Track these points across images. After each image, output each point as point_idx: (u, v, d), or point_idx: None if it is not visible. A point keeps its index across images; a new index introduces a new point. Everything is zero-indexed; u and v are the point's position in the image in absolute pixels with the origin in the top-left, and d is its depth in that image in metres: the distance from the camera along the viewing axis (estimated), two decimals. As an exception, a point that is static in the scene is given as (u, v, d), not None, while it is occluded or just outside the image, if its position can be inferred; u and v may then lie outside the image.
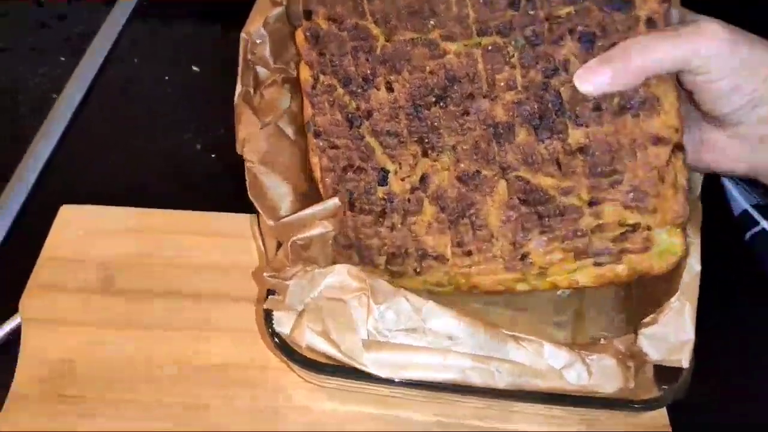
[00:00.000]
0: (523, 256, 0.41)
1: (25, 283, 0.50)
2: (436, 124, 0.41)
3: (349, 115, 0.43)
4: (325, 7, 0.42)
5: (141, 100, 0.68)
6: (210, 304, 0.50)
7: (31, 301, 0.49)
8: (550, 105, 0.39)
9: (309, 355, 0.39)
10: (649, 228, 0.39)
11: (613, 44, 0.37)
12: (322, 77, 0.43)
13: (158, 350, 0.47)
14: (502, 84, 0.40)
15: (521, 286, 0.42)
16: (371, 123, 0.42)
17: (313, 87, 0.43)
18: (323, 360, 0.39)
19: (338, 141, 0.43)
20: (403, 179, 0.43)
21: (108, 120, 0.66)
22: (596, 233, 0.40)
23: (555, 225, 0.40)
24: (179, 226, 0.54)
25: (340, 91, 0.43)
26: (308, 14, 0.42)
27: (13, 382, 0.45)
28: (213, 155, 0.63)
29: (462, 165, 0.41)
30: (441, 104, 0.41)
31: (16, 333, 0.48)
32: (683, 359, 0.38)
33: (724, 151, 0.41)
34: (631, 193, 0.39)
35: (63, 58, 0.71)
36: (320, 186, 0.44)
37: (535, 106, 0.39)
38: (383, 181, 0.43)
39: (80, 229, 0.54)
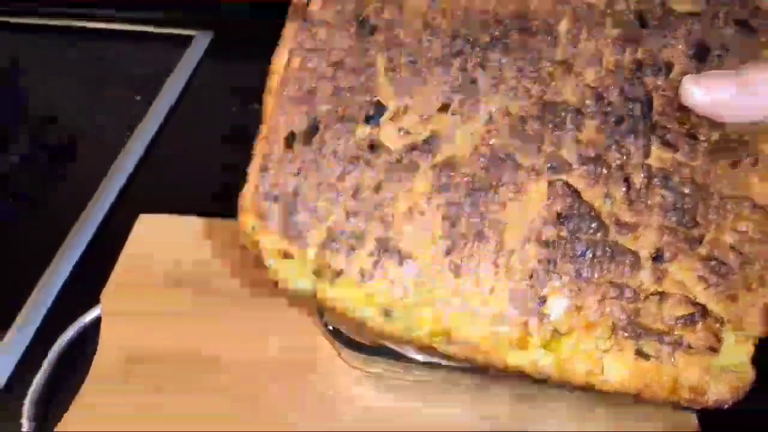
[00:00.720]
0: (539, 301, 0.29)
1: (105, 280, 0.56)
2: (478, 72, 0.31)
3: (362, 15, 0.31)
4: None
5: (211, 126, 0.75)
6: (268, 298, 0.53)
7: (110, 296, 0.55)
8: (636, 106, 0.30)
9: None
10: (722, 322, 0.29)
11: (729, 67, 0.30)
12: None
13: (225, 341, 0.51)
14: (584, 55, 0.31)
15: (514, 358, 0.29)
16: (387, 35, 0.31)
17: None
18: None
19: (332, 40, 0.31)
20: (401, 129, 0.30)
21: (182, 147, 0.73)
22: (652, 302, 0.29)
23: (599, 269, 0.29)
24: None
25: None
26: None
27: (92, 367, 0.50)
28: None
29: (493, 140, 0.30)
30: (498, 48, 0.31)
31: (96, 324, 0.54)
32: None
33: None
34: (711, 262, 0.29)
35: (138, 97, 0.78)
36: (268, 95, 0.31)
37: (617, 101, 0.31)
38: (373, 118, 0.30)
39: (156, 235, 0.60)
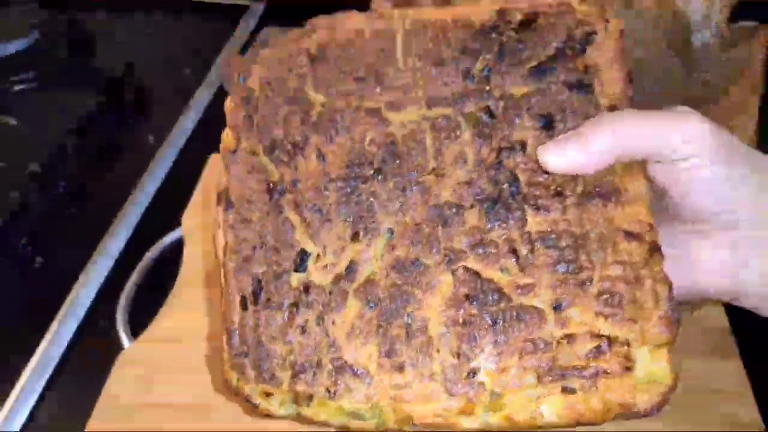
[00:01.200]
0: (471, 374, 0.33)
1: (182, 209, 0.62)
2: (371, 201, 0.35)
3: (270, 185, 0.36)
4: (262, 70, 0.38)
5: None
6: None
7: (190, 218, 0.61)
8: (505, 186, 0.34)
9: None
10: (628, 344, 0.32)
11: (576, 125, 0.34)
12: (245, 143, 0.37)
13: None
14: (450, 160, 0.35)
15: (468, 423, 0.33)
16: (294, 195, 0.36)
17: (233, 152, 0.37)
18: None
19: (252, 214, 0.36)
20: (325, 266, 0.35)
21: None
22: (563, 346, 0.32)
23: (512, 332, 0.33)
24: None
25: (263, 157, 0.37)
26: (243, 78, 0.38)
27: (180, 274, 0.56)
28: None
29: (398, 252, 0.34)
30: (378, 178, 0.35)
31: (178, 243, 0.60)
32: None
33: (702, 266, 0.34)
34: (604, 296, 0.32)
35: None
36: (221, 270, 0.36)
37: (488, 187, 0.34)
38: (301, 265, 0.35)
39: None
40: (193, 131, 0.73)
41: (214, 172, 0.65)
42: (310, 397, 0.34)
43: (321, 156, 0.36)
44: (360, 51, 0.37)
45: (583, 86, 0.35)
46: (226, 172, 0.37)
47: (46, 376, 0.51)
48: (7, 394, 0.49)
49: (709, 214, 0.33)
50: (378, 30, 0.37)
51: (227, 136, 0.38)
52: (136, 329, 0.53)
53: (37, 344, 0.53)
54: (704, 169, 0.32)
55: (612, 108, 0.34)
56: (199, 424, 0.46)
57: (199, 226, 0.60)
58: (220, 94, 0.78)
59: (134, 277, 0.57)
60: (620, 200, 0.34)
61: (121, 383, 0.49)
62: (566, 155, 0.33)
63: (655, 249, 0.33)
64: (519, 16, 0.37)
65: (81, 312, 0.56)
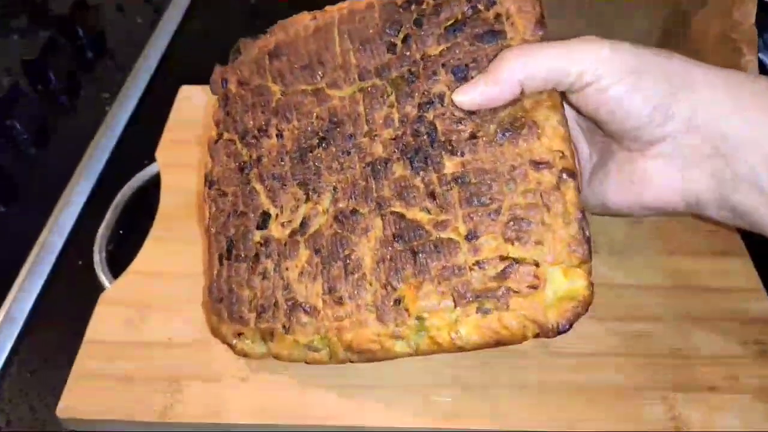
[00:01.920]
0: (397, 302, 0.36)
1: (155, 146, 0.57)
2: (317, 165, 0.40)
3: (241, 164, 0.42)
4: (236, 74, 0.44)
5: None
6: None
7: (166, 153, 0.56)
8: (426, 137, 0.38)
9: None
10: (536, 264, 0.34)
11: None
12: (225, 134, 0.44)
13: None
14: (380, 122, 0.39)
15: (400, 347, 0.37)
16: (259, 169, 0.41)
17: (215, 142, 0.44)
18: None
19: (228, 189, 0.42)
20: (283, 224, 0.40)
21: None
22: (475, 270, 0.35)
23: (430, 263, 0.36)
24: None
25: (238, 144, 0.43)
26: (224, 82, 0.44)
27: (158, 211, 0.52)
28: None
29: (340, 205, 0.39)
30: (323, 146, 0.40)
31: (153, 179, 0.56)
32: None
33: (654, 182, 0.36)
34: (511, 223, 0.35)
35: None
36: (205, 236, 0.43)
37: (411, 140, 0.38)
38: (263, 224, 0.40)
39: (200, 102, 0.61)
40: (158, 65, 0.68)
41: (185, 103, 0.61)
42: (271, 334, 0.39)
43: (280, 134, 0.42)
44: (305, 43, 0.42)
45: (494, 33, 0.38)
46: (210, 158, 0.44)
47: (15, 331, 0.47)
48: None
49: (634, 130, 0.34)
50: (319, 24, 0.42)
51: (212, 131, 0.45)
52: (116, 271, 0.49)
53: (3, 297, 0.49)
54: (612, 89, 0.33)
55: None
56: (192, 361, 0.43)
57: (174, 160, 0.56)
58: (182, 32, 0.73)
59: (109, 216, 0.53)
60: (533, 134, 0.36)
61: (105, 324, 0.45)
62: (475, 91, 0.36)
63: (568, 174, 0.35)
64: None
65: (52, 258, 0.51)
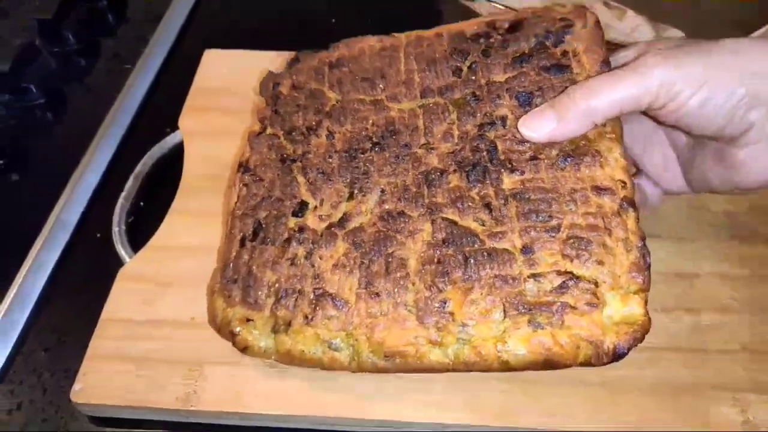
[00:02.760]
0: (442, 303, 0.34)
1: (178, 113, 0.54)
2: (367, 166, 0.39)
3: (284, 155, 0.41)
4: (290, 79, 0.45)
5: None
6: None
7: (189, 120, 0.53)
8: (485, 154, 0.38)
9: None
10: (596, 283, 0.33)
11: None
12: (269, 129, 0.43)
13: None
14: (438, 136, 0.39)
15: (435, 355, 0.34)
16: (303, 162, 0.40)
17: (258, 135, 0.43)
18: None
19: (265, 175, 0.41)
20: (321, 216, 0.38)
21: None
22: (530, 282, 0.34)
23: (482, 269, 0.34)
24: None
25: (283, 139, 0.42)
26: (275, 86, 0.45)
27: (182, 180, 0.49)
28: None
29: (387, 206, 0.38)
30: (376, 150, 0.40)
31: (176, 148, 0.52)
32: None
33: (748, 167, 0.36)
34: (571, 241, 0.34)
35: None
36: (228, 217, 0.41)
37: (469, 155, 0.38)
38: (300, 212, 0.39)
39: (225, 68, 0.57)
40: (181, 28, 0.64)
41: (210, 69, 0.57)
42: (288, 324, 0.36)
43: (330, 135, 0.41)
44: (369, 59, 0.44)
45: (561, 67, 0.39)
46: (249, 148, 0.42)
47: (29, 306, 0.44)
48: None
49: (719, 131, 0.35)
50: (384, 45, 0.44)
51: (255, 125, 0.44)
52: (136, 245, 0.46)
53: (16, 271, 0.45)
54: (688, 104, 0.34)
55: None
56: (216, 343, 0.40)
57: (199, 128, 0.52)
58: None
59: (129, 187, 0.49)
60: (596, 163, 0.36)
61: (124, 302, 0.42)
62: (545, 128, 0.36)
63: (629, 204, 0.35)
64: (506, 24, 0.42)
65: (68, 230, 0.48)
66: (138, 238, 0.46)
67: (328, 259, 0.37)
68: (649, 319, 0.33)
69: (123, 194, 0.48)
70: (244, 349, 0.37)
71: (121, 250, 0.45)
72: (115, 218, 0.47)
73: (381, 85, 0.42)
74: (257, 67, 0.56)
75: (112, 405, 0.38)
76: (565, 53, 0.39)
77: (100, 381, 0.39)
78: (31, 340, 0.43)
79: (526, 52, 0.40)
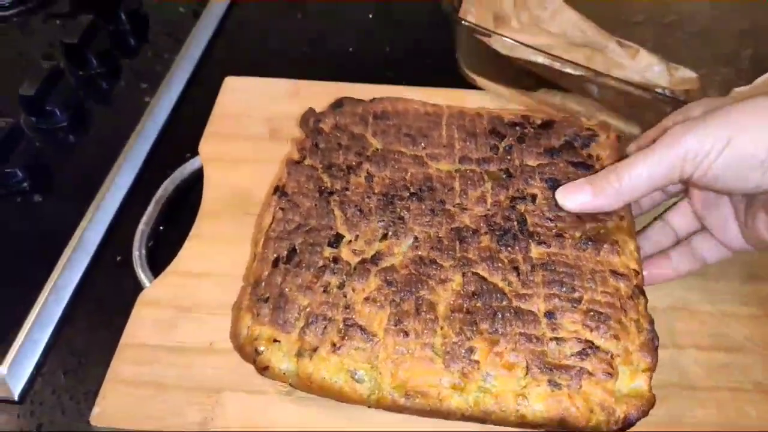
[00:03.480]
0: (469, 351, 0.36)
1: (199, 136, 0.55)
2: (404, 213, 0.42)
3: (322, 187, 0.43)
4: (333, 119, 0.48)
5: None
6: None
7: (209, 146, 0.54)
8: (515, 223, 0.41)
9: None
10: (611, 356, 0.36)
11: None
12: (308, 160, 0.45)
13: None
14: (473, 200, 0.42)
15: (456, 401, 0.36)
16: (341, 197, 0.43)
17: (297, 163, 0.45)
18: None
19: (302, 202, 0.43)
20: (355, 251, 0.40)
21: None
22: (553, 345, 0.36)
23: (509, 325, 0.37)
24: (330, 93, 0.57)
25: (321, 173, 0.44)
26: (316, 122, 0.48)
27: (202, 204, 0.50)
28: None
29: (420, 252, 0.40)
30: (413, 199, 0.42)
31: (195, 174, 0.53)
32: None
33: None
34: (591, 314, 0.37)
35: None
36: (259, 239, 0.42)
37: (501, 222, 0.41)
38: (335, 243, 0.40)
39: (245, 94, 0.58)
40: (202, 54, 0.65)
41: (230, 95, 0.58)
42: (314, 350, 0.36)
43: (370, 177, 0.44)
44: (413, 118, 0.48)
45: (585, 165, 0.44)
46: (287, 174, 0.44)
47: (50, 328, 0.45)
48: (7, 349, 0.42)
49: (754, 188, 0.35)
50: (428, 110, 0.49)
51: (294, 153, 0.46)
52: (156, 270, 0.47)
53: (38, 293, 0.46)
54: (713, 169, 0.35)
55: None
56: (235, 369, 0.40)
57: (218, 154, 0.53)
58: (226, 22, 0.70)
59: (150, 211, 0.50)
60: (614, 251, 0.39)
61: (143, 326, 0.43)
62: (577, 197, 0.40)
63: (640, 291, 0.38)
64: (539, 121, 0.47)
65: (89, 253, 0.49)
66: (158, 262, 0.47)
67: (360, 292, 0.38)
68: (654, 395, 0.35)
69: (144, 219, 0.49)
70: (264, 369, 0.37)
71: (141, 275, 0.46)
72: (136, 243, 0.48)
73: (422, 144, 0.46)
74: (276, 94, 0.58)
75: (130, 429, 0.39)
76: (590, 156, 0.44)
77: (119, 405, 0.39)
78: (52, 361, 0.44)
79: (556, 147, 0.45)
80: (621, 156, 0.43)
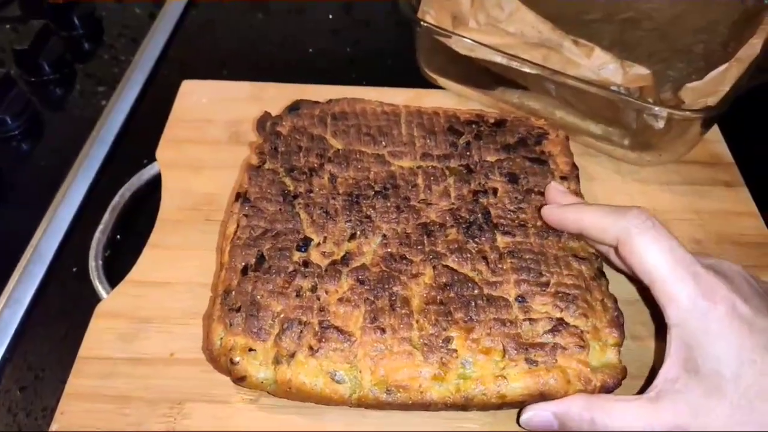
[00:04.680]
0: (446, 341, 0.37)
1: (155, 143, 0.54)
2: (370, 211, 0.42)
3: (285, 191, 0.43)
4: (290, 122, 0.48)
5: None
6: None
7: (167, 152, 0.53)
8: (479, 216, 0.42)
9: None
10: (581, 331, 0.37)
11: (536, 184, 0.44)
12: (268, 164, 0.45)
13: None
14: (436, 195, 0.44)
15: (437, 391, 0.36)
16: (306, 200, 0.43)
17: (257, 168, 0.45)
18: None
19: (266, 208, 0.42)
20: (324, 253, 0.40)
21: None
22: (526, 325, 0.37)
23: (482, 312, 0.38)
24: (291, 96, 0.57)
25: (283, 176, 0.44)
26: (273, 126, 0.47)
27: (160, 211, 0.49)
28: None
29: (389, 249, 0.40)
30: (378, 197, 0.43)
31: (153, 180, 0.52)
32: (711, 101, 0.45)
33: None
34: (560, 295, 0.38)
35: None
36: (225, 248, 0.41)
37: (466, 215, 0.42)
38: (304, 247, 0.40)
39: (203, 98, 0.57)
40: (159, 58, 0.64)
41: (187, 99, 0.57)
42: (291, 356, 0.36)
43: (333, 178, 0.44)
44: (372, 118, 0.49)
45: (540, 161, 0.46)
46: (248, 180, 0.44)
47: (5, 342, 0.44)
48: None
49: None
50: (385, 110, 0.49)
51: (253, 157, 0.46)
52: (113, 279, 0.46)
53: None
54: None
55: (563, 178, 0.46)
56: (197, 380, 0.40)
57: (177, 160, 0.52)
58: (183, 24, 0.69)
59: (106, 219, 0.49)
60: (573, 236, 0.41)
61: (101, 339, 0.42)
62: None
63: (600, 272, 0.41)
64: (492, 119, 0.49)
65: (44, 264, 0.48)
66: (115, 271, 0.46)
67: (333, 294, 0.38)
68: (625, 367, 0.37)
69: (100, 228, 0.48)
70: (241, 379, 0.36)
71: (98, 286, 0.45)
72: (92, 252, 0.47)
73: (383, 142, 0.47)
74: (235, 97, 0.58)
75: (90, 445, 0.38)
76: (542, 152, 0.47)
77: (79, 420, 0.38)
78: (7, 378, 0.43)
79: (512, 144, 0.47)
80: (570, 153, 0.47)
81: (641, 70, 0.49)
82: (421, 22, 0.53)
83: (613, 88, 0.49)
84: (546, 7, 0.55)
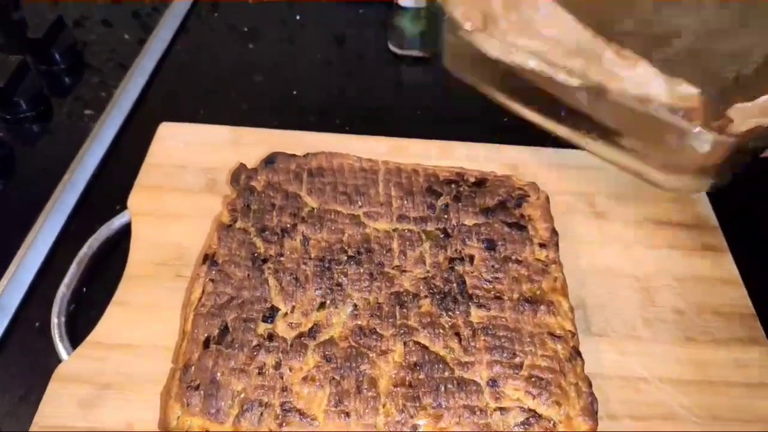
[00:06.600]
0: (414, 428, 0.36)
1: (129, 188, 0.52)
2: (342, 279, 0.41)
3: (255, 254, 0.42)
4: (265, 176, 0.47)
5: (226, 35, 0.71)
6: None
7: (139, 200, 0.51)
8: (454, 285, 0.41)
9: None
10: (553, 423, 0.36)
11: (513, 251, 0.43)
12: (240, 223, 0.44)
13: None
14: (412, 261, 0.43)
15: None
16: (276, 265, 0.41)
17: (228, 227, 0.44)
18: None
19: (234, 273, 0.41)
20: (291, 324, 0.39)
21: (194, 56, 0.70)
22: (497, 415, 0.36)
23: (452, 398, 0.36)
24: (271, 142, 0.56)
25: (254, 237, 0.43)
26: (248, 179, 0.47)
27: (127, 266, 0.47)
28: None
29: (359, 321, 0.39)
30: (351, 263, 0.42)
31: (124, 229, 0.51)
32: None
33: None
34: (533, 380, 0.37)
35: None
36: (189, 315, 0.40)
37: (440, 285, 0.41)
38: (270, 318, 0.39)
39: (180, 142, 0.56)
40: (138, 97, 0.63)
41: (164, 143, 0.56)
42: None
43: (306, 240, 0.43)
44: (350, 175, 0.47)
45: (519, 226, 0.45)
46: (217, 240, 0.43)
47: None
48: None
49: None
50: (364, 166, 0.49)
51: (224, 215, 0.45)
52: (77, 337, 0.44)
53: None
54: None
55: (542, 245, 0.44)
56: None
57: (149, 209, 0.51)
58: (166, 59, 0.68)
59: (72, 272, 0.47)
60: (551, 312, 0.40)
61: (59, 405, 0.40)
62: None
63: (576, 352, 0.39)
64: (473, 179, 0.48)
65: (5, 317, 0.46)
66: (79, 327, 0.44)
67: (298, 371, 0.37)
68: None
69: (65, 281, 0.47)
70: None
71: (59, 345, 0.43)
72: (55, 308, 0.45)
73: (359, 202, 0.46)
74: (213, 142, 0.56)
75: None
76: (522, 216, 0.46)
77: (28, 495, 0.37)
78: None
79: (491, 207, 0.46)
80: (550, 217, 0.46)
81: (690, 89, 0.45)
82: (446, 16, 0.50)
83: (657, 106, 0.45)
84: (573, 14, 0.50)
